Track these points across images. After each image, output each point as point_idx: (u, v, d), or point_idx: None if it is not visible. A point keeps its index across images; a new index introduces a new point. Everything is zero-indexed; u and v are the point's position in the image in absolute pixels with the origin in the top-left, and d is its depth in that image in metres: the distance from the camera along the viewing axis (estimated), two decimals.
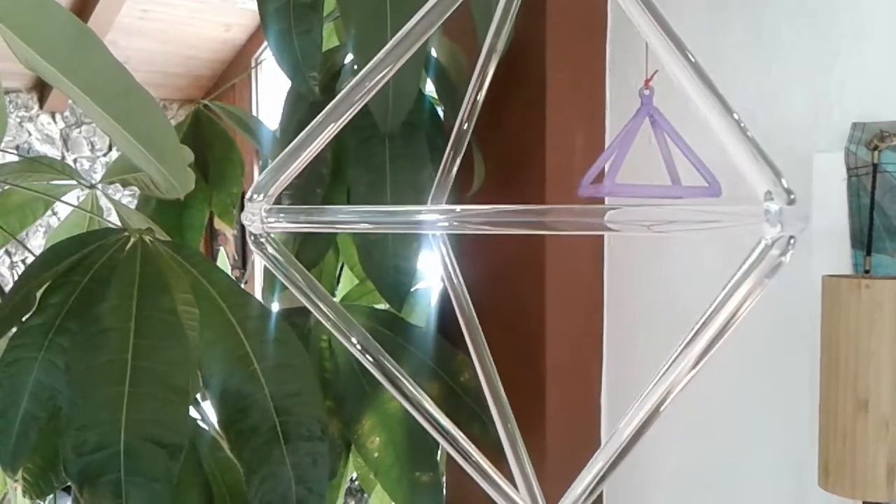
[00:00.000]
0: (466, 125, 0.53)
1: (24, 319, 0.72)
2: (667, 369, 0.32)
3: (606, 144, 1.00)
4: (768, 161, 0.28)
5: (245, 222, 0.44)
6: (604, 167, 0.84)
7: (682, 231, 0.34)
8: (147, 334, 0.68)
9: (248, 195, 0.45)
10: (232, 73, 3.81)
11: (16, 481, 0.71)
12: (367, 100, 0.43)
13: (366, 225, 0.51)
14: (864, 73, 0.83)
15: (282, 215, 0.45)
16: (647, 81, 0.80)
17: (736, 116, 0.28)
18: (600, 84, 1.00)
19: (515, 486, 0.43)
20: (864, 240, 0.82)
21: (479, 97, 0.51)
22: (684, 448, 0.97)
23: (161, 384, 0.67)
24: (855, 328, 0.74)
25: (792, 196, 0.27)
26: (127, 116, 0.71)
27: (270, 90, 3.68)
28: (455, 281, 0.51)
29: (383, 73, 0.43)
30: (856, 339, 0.74)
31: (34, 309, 0.72)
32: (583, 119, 0.99)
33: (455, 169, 0.53)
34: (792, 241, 0.27)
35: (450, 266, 0.52)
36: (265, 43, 3.58)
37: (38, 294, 0.73)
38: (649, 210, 0.32)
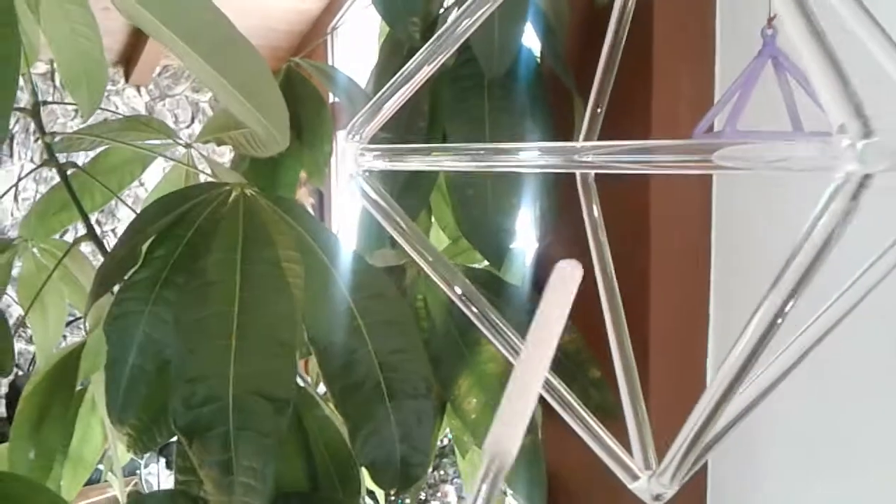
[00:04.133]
0: (606, 76, 0.50)
1: (129, 274, 0.72)
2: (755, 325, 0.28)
3: (716, 92, 0.94)
4: (847, 85, 0.23)
5: (344, 162, 0.43)
6: (717, 115, 0.79)
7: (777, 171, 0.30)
8: (252, 287, 0.67)
9: (344, 136, 0.43)
10: (308, 44, 3.82)
11: (123, 434, 0.71)
12: (465, 37, 0.40)
13: (470, 164, 0.48)
14: None
15: (378, 154, 0.43)
16: (769, 20, 0.74)
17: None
18: (710, 27, 0.94)
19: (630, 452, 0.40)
20: None
21: (622, 36, 0.48)
22: (797, 412, 0.92)
23: (267, 338, 0.65)
24: None
25: (868, 129, 0.23)
26: (228, 67, 0.70)
27: (346, 60, 3.68)
28: (598, 230, 0.48)
29: (483, 9, 0.40)
30: None
31: (140, 263, 0.71)
32: (691, 64, 0.93)
33: (598, 124, 0.50)
34: (867, 180, 0.23)
35: (594, 213, 0.48)
36: (340, 12, 3.58)
37: (143, 248, 0.72)
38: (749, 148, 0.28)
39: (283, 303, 0.67)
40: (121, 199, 0.95)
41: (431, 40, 0.40)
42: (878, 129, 0.23)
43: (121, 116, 1.00)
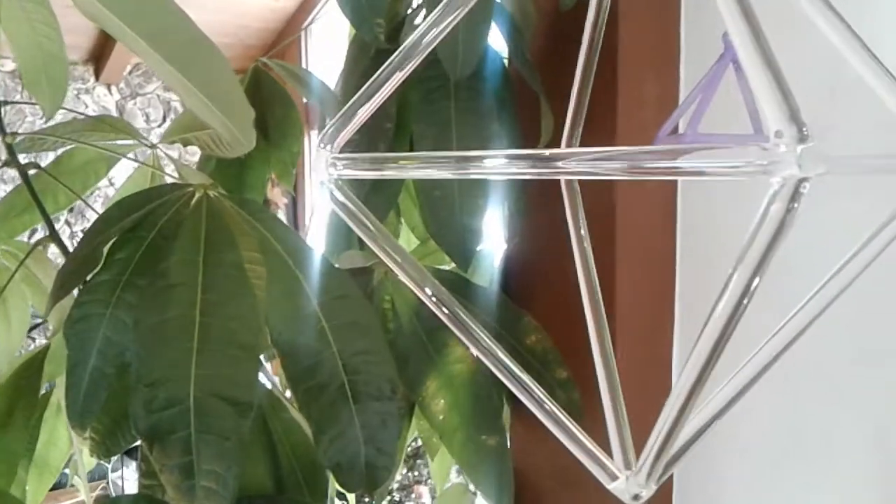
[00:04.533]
0: (585, 82, 0.50)
1: (90, 276, 0.71)
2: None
3: (681, 95, 0.95)
4: (784, 92, 0.24)
5: (315, 170, 0.43)
6: (681, 118, 0.80)
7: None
8: (214, 290, 0.66)
9: (316, 145, 0.43)
10: (282, 42, 3.80)
11: (85, 438, 0.71)
12: (433, 45, 0.40)
13: (436, 172, 0.49)
14: None
15: (349, 163, 0.43)
16: None
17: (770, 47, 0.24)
18: (674, 31, 0.95)
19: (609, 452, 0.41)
20: None
21: (597, 41, 0.48)
22: (760, 420, 0.93)
23: (229, 341, 0.65)
24: None
25: (803, 134, 0.23)
26: (190, 67, 0.69)
27: (319, 59, 3.67)
28: (581, 233, 0.48)
29: (453, 15, 0.41)
30: None
31: (101, 265, 0.71)
32: (656, 68, 0.94)
33: (579, 130, 0.50)
34: (804, 185, 0.24)
35: (579, 216, 0.49)
36: (315, 10, 3.57)
37: (105, 250, 0.72)
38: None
39: (246, 305, 0.67)
40: (84, 201, 0.94)
41: (403, 46, 0.40)
42: (814, 134, 0.24)
43: (88, 116, 0.98)
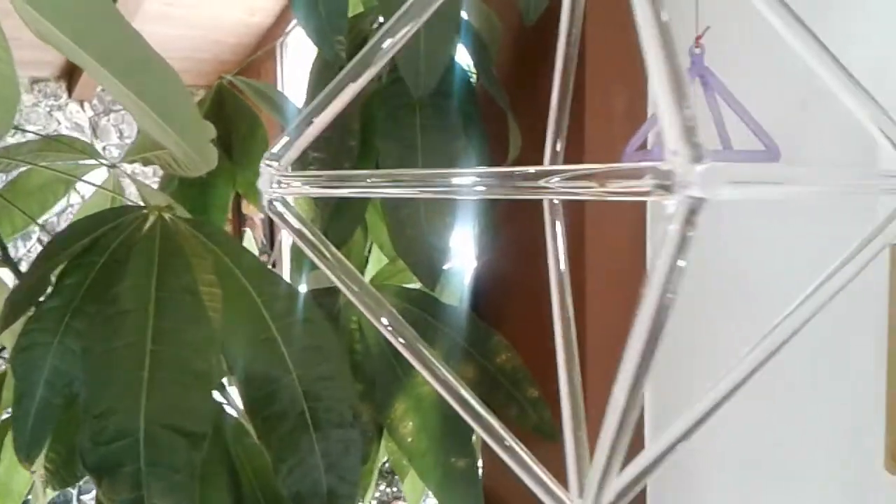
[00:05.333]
0: (564, 94, 0.48)
1: (39, 302, 0.69)
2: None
3: (649, 110, 0.94)
4: (682, 109, 0.22)
5: (260, 187, 0.41)
6: (649, 133, 0.79)
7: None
8: (167, 316, 0.64)
9: (262, 161, 0.41)
10: (257, 57, 3.78)
11: (32, 472, 0.68)
12: (388, 56, 0.39)
13: (395, 190, 0.47)
14: None
15: (298, 180, 0.42)
16: (697, 38, 0.74)
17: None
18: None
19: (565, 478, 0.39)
20: None
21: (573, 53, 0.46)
22: (734, 429, 0.91)
23: (182, 369, 0.63)
24: None
25: (698, 154, 0.22)
26: (144, 87, 0.67)
27: (296, 73, 3.65)
28: (559, 255, 0.47)
29: (407, 27, 0.39)
30: None
31: (50, 291, 0.68)
32: (624, 83, 0.93)
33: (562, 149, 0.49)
34: (700, 205, 0.22)
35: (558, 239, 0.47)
36: (290, 25, 3.55)
37: (55, 276, 0.69)
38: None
39: (200, 331, 0.64)
40: (38, 224, 0.91)
41: (357, 56, 0.38)
42: (710, 155, 0.22)
43: (43, 136, 0.96)
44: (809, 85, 0.82)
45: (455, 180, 0.32)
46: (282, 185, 0.41)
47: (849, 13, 0.79)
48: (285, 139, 0.41)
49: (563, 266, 0.50)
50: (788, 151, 0.71)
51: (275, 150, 0.41)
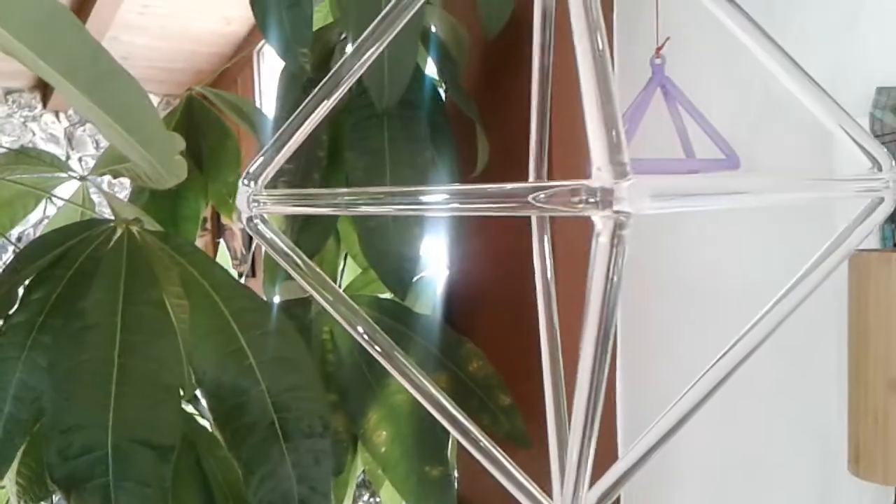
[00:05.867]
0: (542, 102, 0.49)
1: (7, 316, 0.69)
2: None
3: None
4: (608, 125, 0.23)
5: (238, 206, 0.42)
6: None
7: None
8: (134, 330, 0.64)
9: (240, 180, 0.42)
10: (233, 66, 3.77)
11: (1, 488, 0.68)
12: (360, 73, 0.40)
13: (365, 207, 0.48)
14: (888, 33, 0.78)
15: (274, 199, 0.42)
16: (658, 49, 0.75)
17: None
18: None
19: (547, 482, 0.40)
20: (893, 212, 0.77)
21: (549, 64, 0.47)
22: (704, 434, 0.93)
23: (150, 382, 0.63)
24: (886, 305, 0.69)
25: (623, 170, 0.23)
26: (108, 100, 0.67)
27: (273, 82, 3.64)
28: (545, 266, 0.47)
29: (377, 44, 0.40)
30: (886, 317, 0.69)
31: (16, 306, 0.68)
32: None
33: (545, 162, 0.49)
34: (627, 220, 0.23)
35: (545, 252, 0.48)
36: None
37: (21, 290, 0.69)
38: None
39: (168, 344, 0.65)
40: (6, 238, 0.91)
41: (329, 75, 0.39)
42: (634, 172, 0.23)
43: (9, 149, 0.96)
44: (770, 93, 0.83)
45: (424, 198, 0.33)
46: (260, 204, 0.41)
47: (806, 14, 0.81)
48: (261, 159, 0.42)
49: (549, 276, 0.51)
50: (749, 161, 0.72)
51: (251, 169, 0.42)
